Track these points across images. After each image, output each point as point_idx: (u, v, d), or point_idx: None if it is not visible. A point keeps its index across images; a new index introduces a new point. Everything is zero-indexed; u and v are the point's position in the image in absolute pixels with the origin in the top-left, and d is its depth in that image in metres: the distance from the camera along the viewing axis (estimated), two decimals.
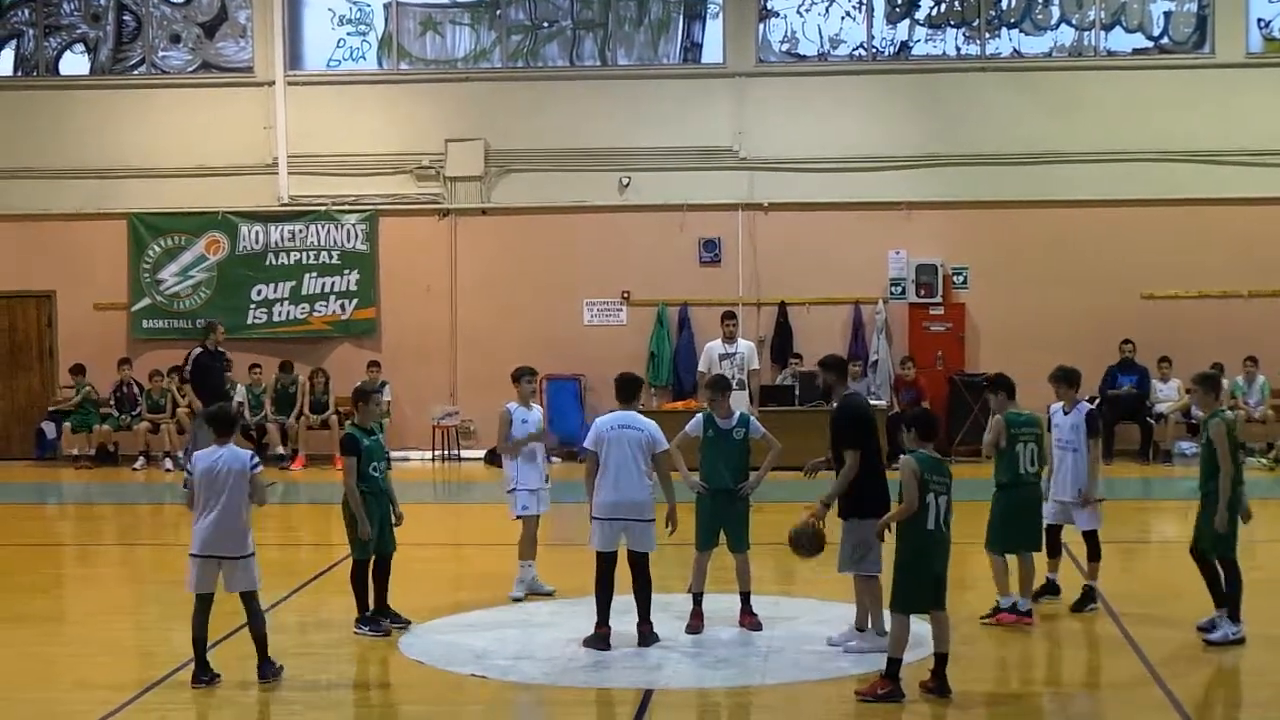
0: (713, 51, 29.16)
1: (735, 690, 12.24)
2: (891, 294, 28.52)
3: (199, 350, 25.73)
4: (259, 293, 29.16)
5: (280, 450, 28.18)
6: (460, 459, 28.49)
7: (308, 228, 29.10)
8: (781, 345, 28.36)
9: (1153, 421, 27.46)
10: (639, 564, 13.76)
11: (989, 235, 28.32)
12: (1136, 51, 28.81)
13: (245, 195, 29.15)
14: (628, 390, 14.18)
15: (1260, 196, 27.87)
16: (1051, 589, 15.25)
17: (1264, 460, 26.40)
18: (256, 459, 12.89)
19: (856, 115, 28.59)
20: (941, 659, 11.85)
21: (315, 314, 29.22)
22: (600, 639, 13.71)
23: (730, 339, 23.47)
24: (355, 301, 29.15)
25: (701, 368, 23.11)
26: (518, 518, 15.95)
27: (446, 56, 29.56)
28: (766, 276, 28.59)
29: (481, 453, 28.07)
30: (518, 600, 15.72)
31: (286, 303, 29.21)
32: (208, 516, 12.60)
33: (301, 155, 28.92)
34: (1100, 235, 28.06)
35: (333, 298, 29.20)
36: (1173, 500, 24.08)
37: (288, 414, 28.23)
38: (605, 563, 13.75)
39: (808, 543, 13.49)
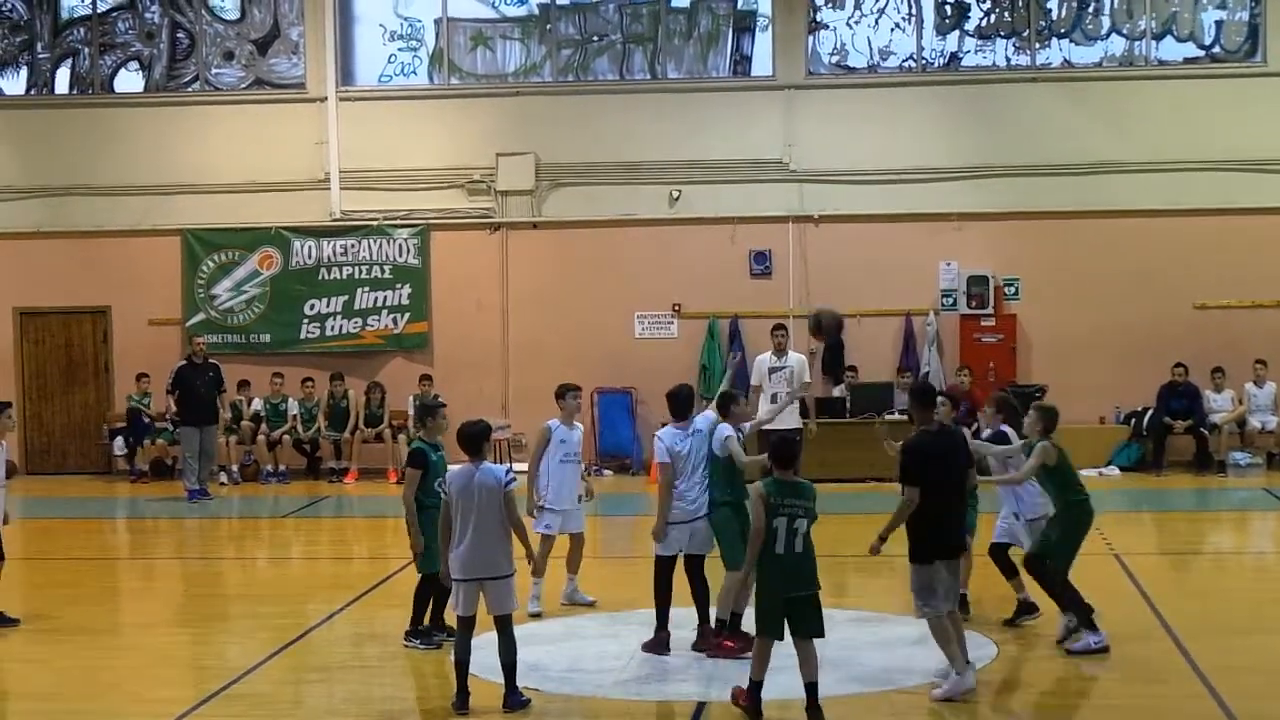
0: (762, 64, 29.13)
1: (783, 702, 12.18)
2: (943, 305, 28.43)
3: (182, 363, 26.46)
4: (312, 307, 29.25)
5: (333, 464, 28.26)
6: (514, 473, 28.40)
7: (360, 242, 29.19)
8: (833, 358, 28.28)
9: (1206, 432, 27.29)
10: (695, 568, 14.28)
11: (1040, 246, 28.20)
12: (1187, 61, 28.65)
13: (298, 210, 29.25)
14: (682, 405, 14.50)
15: None
16: (1028, 609, 15.04)
17: None
18: (512, 475, 12.59)
19: (906, 127, 28.52)
20: (809, 689, 11.58)
21: (368, 328, 29.29)
22: (660, 643, 13.94)
23: (780, 351, 23.28)
24: (407, 316, 29.21)
25: (754, 381, 22.92)
26: (541, 534, 15.80)
27: (497, 71, 29.62)
28: (817, 288, 28.51)
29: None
30: (535, 616, 15.62)
31: (339, 317, 29.29)
32: (465, 538, 12.35)
33: (353, 170, 29.01)
34: (1152, 245, 27.90)
35: (385, 312, 29.27)
36: (1229, 510, 23.98)
37: (341, 428, 28.29)
38: (667, 567, 14.28)
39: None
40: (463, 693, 12.31)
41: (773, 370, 22.63)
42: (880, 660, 13.81)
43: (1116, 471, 27.22)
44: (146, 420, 28.36)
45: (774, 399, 21.47)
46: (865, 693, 12.77)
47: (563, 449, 16.02)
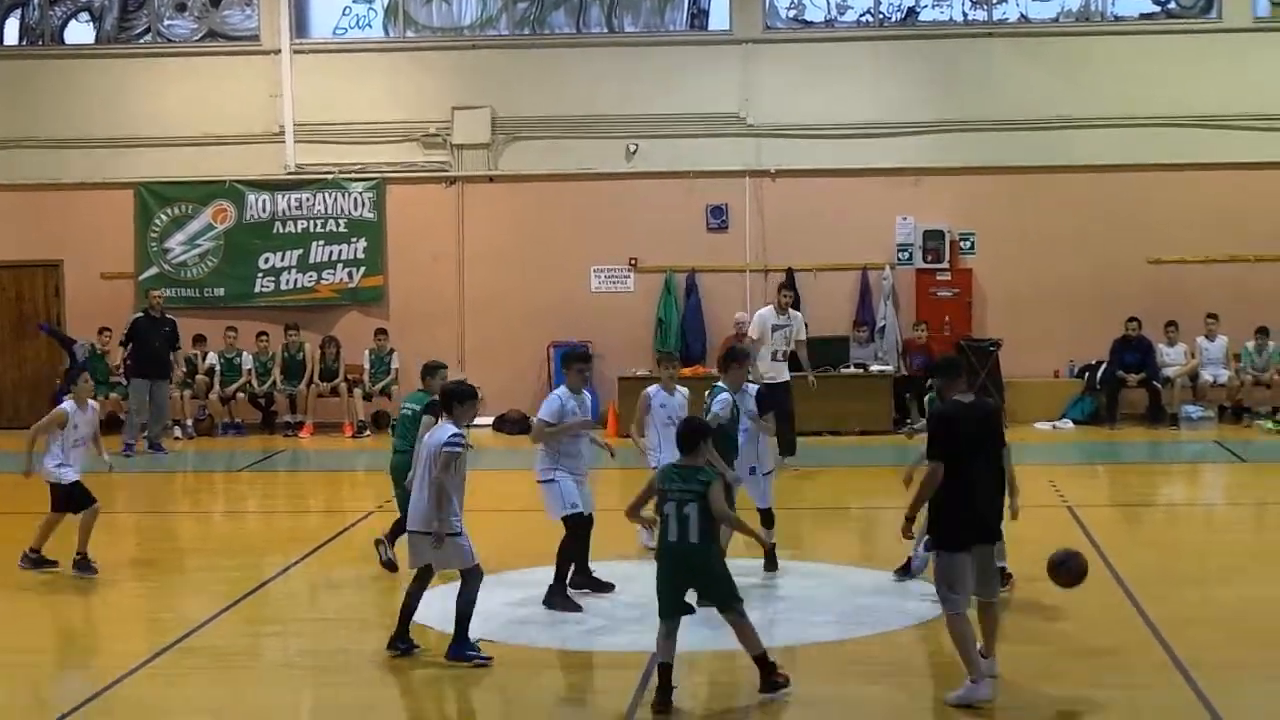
0: (719, 18, 29.14)
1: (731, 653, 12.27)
2: (899, 260, 28.54)
3: (138, 315, 26.53)
4: (266, 261, 29.20)
5: (289, 419, 28.26)
6: (470, 426, 28.46)
7: (315, 196, 29.14)
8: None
9: (1159, 386, 27.51)
10: None
11: (996, 201, 28.32)
12: (1144, 17, 28.76)
13: (252, 164, 29.16)
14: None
15: (1267, 161, 27.78)
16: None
17: (1271, 424, 26.51)
18: (456, 438, 12.54)
19: (863, 82, 28.58)
20: (757, 660, 11.33)
21: (323, 282, 29.26)
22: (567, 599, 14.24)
23: (784, 310, 23.38)
24: (363, 269, 29.19)
25: (754, 335, 22.96)
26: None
27: (453, 24, 29.55)
28: (774, 243, 28.60)
29: (489, 420, 28.08)
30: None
31: (294, 271, 29.24)
32: (416, 490, 12.68)
33: (308, 124, 28.93)
34: (1107, 200, 28.04)
35: (340, 265, 29.25)
36: (1181, 463, 24.21)
37: (296, 382, 28.29)
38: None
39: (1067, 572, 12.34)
40: (401, 637, 12.56)
41: (775, 328, 22.77)
42: (835, 611, 13.97)
43: (1070, 425, 27.44)
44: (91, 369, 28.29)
45: (775, 356, 21.74)
46: (820, 642, 12.91)
47: (663, 413, 15.97)
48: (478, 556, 12.43)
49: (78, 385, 16.48)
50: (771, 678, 11.28)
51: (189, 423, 27.85)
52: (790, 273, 28.20)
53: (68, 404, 16.08)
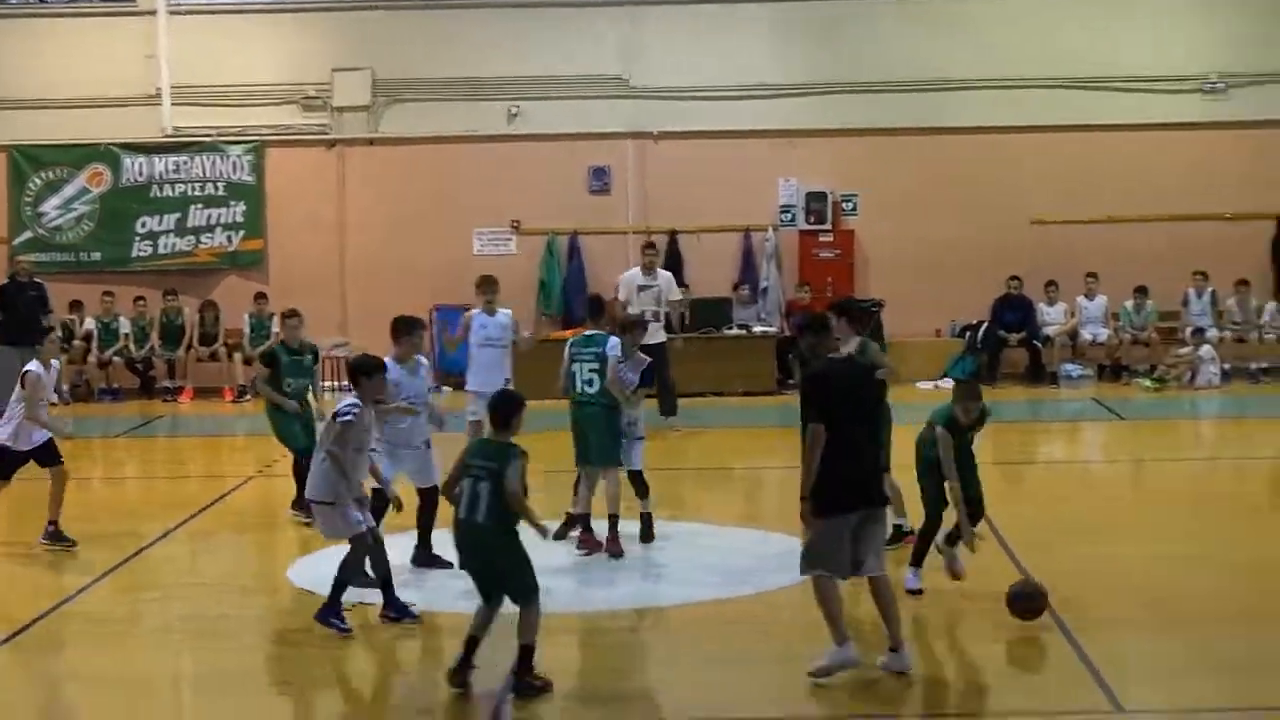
0: None
1: (618, 613, 12.37)
2: (782, 221, 28.68)
3: (5, 281, 26.39)
4: (143, 225, 28.92)
5: (167, 383, 28.04)
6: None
7: (192, 159, 28.88)
8: (673, 273, 28.36)
9: (1039, 345, 27.84)
10: None
11: (878, 163, 28.50)
12: None
13: (128, 127, 28.81)
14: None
15: (1148, 122, 28.17)
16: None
17: (1149, 381, 26.88)
18: (348, 406, 12.51)
19: (746, 44, 28.62)
20: (522, 650, 10.65)
21: (201, 246, 29.03)
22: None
23: (650, 270, 23.53)
24: (242, 233, 28.98)
25: (621, 297, 23.09)
26: None
27: None
28: (656, 205, 28.66)
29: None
30: None
31: (172, 234, 29.00)
32: None
33: (185, 86, 28.61)
34: (990, 162, 28.28)
35: (219, 229, 29.01)
36: (1060, 421, 24.51)
37: (175, 347, 28.07)
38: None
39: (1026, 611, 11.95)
40: (392, 605, 12.50)
41: (642, 288, 23.01)
42: (718, 571, 14.04)
43: (951, 383, 27.55)
44: None
45: (643, 317, 21.85)
46: (702, 601, 12.99)
47: (481, 334, 16.86)
48: (365, 525, 12.33)
49: (44, 345, 16.16)
50: (527, 677, 10.59)
51: (65, 388, 27.51)
52: (673, 234, 28.32)
53: (35, 366, 15.67)
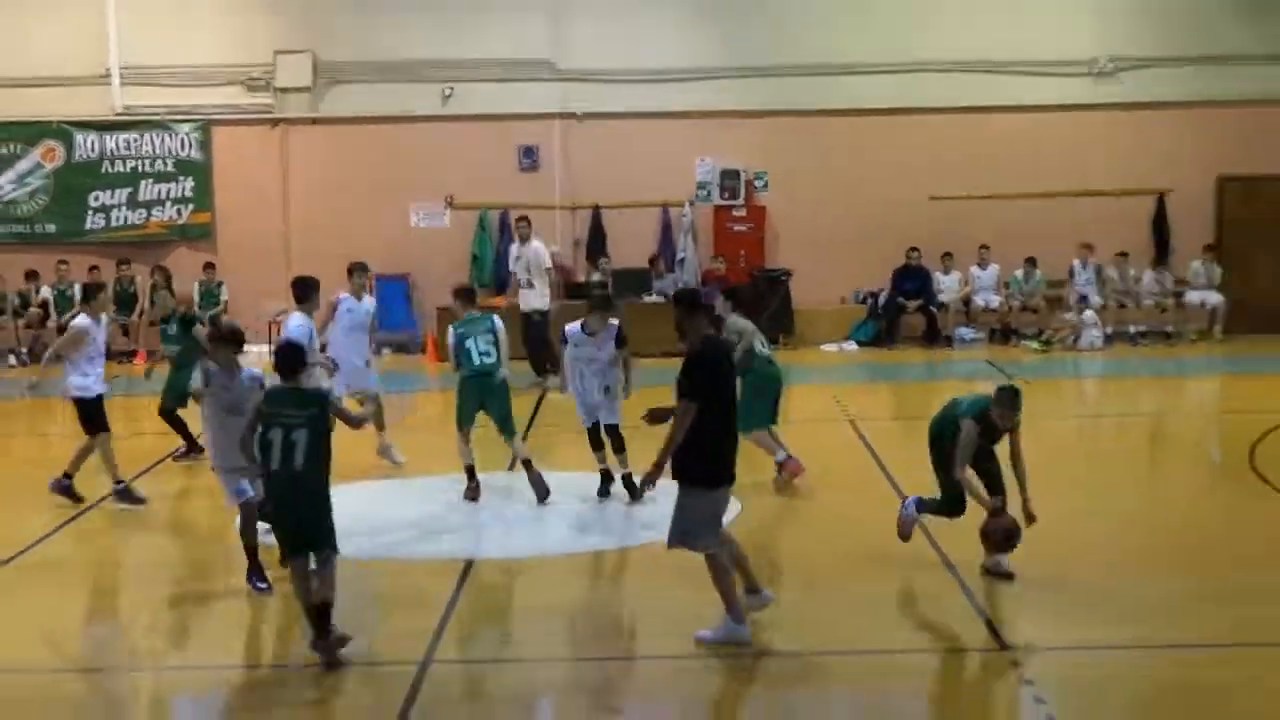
0: None
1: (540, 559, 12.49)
2: (698, 197, 28.79)
3: None
4: (96, 199, 28.78)
5: (122, 347, 27.88)
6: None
7: (142, 136, 28.74)
8: (597, 246, 28.53)
9: (935, 310, 28.11)
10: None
11: (787, 142, 28.62)
12: None
13: (80, 104, 28.57)
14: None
15: (1037, 104, 28.37)
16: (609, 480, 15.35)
17: (1037, 344, 27.18)
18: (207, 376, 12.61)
19: (664, 31, 28.65)
20: (321, 606, 10.31)
21: (152, 219, 28.91)
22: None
23: (524, 240, 23.90)
24: (191, 207, 28.87)
25: (512, 267, 23.79)
26: None
27: None
28: (581, 181, 28.72)
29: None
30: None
31: (124, 208, 28.87)
32: None
33: (135, 66, 28.42)
34: (890, 141, 28.44)
35: (169, 203, 28.91)
36: (954, 380, 24.70)
37: (128, 313, 27.97)
38: None
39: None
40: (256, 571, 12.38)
41: (516, 258, 23.35)
42: (637, 520, 14.20)
43: (855, 346, 27.95)
44: None
45: (606, 294, 22.02)
46: (567, 554, 13.23)
47: (349, 318, 16.95)
48: (248, 495, 12.20)
49: (96, 299, 16.04)
50: (326, 636, 10.24)
51: (23, 350, 27.46)
52: (597, 209, 28.45)
53: (84, 319, 15.57)
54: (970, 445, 11.71)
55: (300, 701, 9.78)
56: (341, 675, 10.11)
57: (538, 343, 23.32)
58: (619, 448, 15.16)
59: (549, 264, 24.06)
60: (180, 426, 17.56)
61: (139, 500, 15.34)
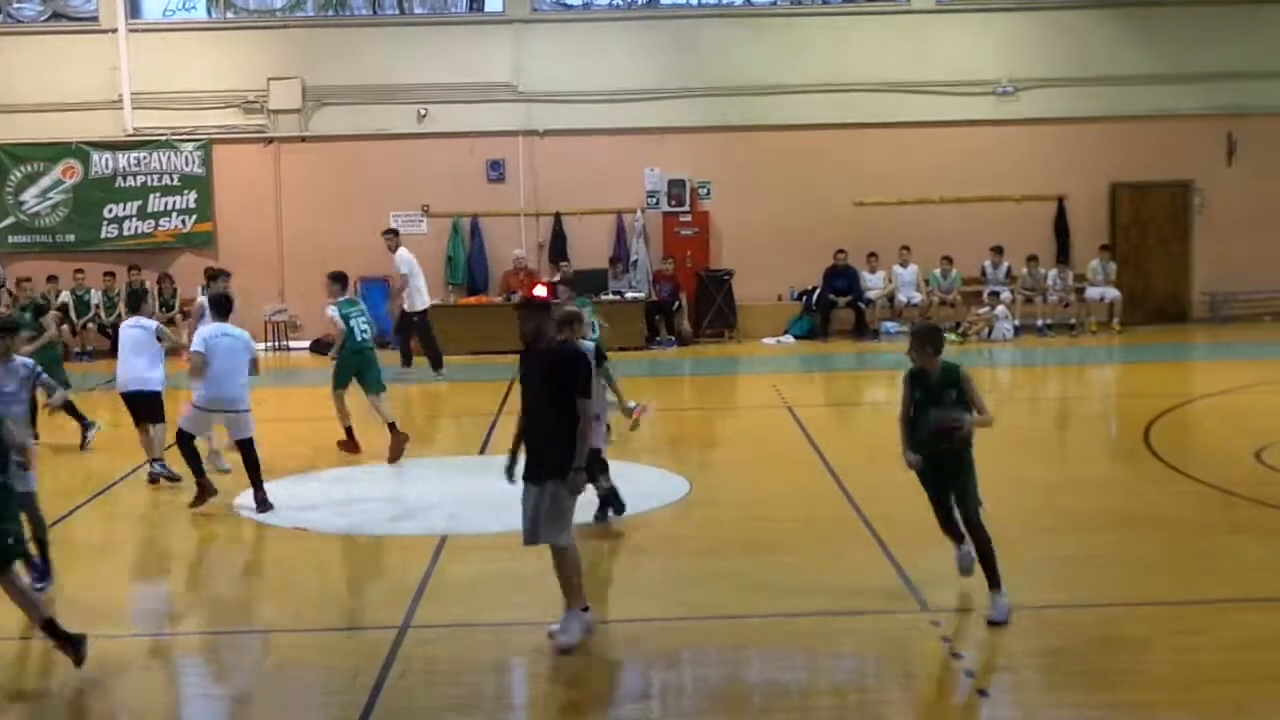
0: (494, 1, 28.93)
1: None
2: (648, 204, 28.66)
3: None
4: (110, 211, 28.55)
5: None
6: (289, 349, 28.22)
7: (151, 154, 28.50)
8: (558, 249, 28.38)
9: (864, 306, 28.02)
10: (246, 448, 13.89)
11: (728, 155, 28.52)
12: (846, 0, 29.01)
13: (96, 127, 28.38)
14: (223, 308, 14.29)
15: (951, 119, 28.37)
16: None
17: (954, 336, 27.10)
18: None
19: (616, 55, 28.53)
20: (44, 625, 9.21)
21: (160, 228, 28.70)
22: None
23: (393, 250, 23.90)
24: (195, 217, 28.65)
25: (406, 270, 23.74)
26: None
27: (267, 6, 29.01)
28: (544, 191, 28.57)
29: (306, 343, 27.81)
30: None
31: (135, 219, 28.66)
32: None
33: (144, 93, 28.19)
34: (819, 153, 28.35)
35: (175, 214, 28.69)
36: (881, 369, 24.65)
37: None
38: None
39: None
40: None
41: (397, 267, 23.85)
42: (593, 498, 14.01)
43: (791, 339, 27.85)
44: None
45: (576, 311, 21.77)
46: (581, 524, 12.99)
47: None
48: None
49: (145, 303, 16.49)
50: (62, 644, 9.17)
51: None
52: (558, 216, 28.33)
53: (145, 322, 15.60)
54: (905, 399, 10.41)
55: (284, 664, 9.58)
56: (323, 638, 9.94)
57: (407, 338, 23.80)
58: (601, 468, 12.82)
59: (404, 270, 23.76)
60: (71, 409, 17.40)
61: (175, 477, 15.05)
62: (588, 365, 9.70)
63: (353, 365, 16.13)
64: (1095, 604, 10.31)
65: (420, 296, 23.68)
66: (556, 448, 9.49)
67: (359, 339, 16.09)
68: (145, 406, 15.31)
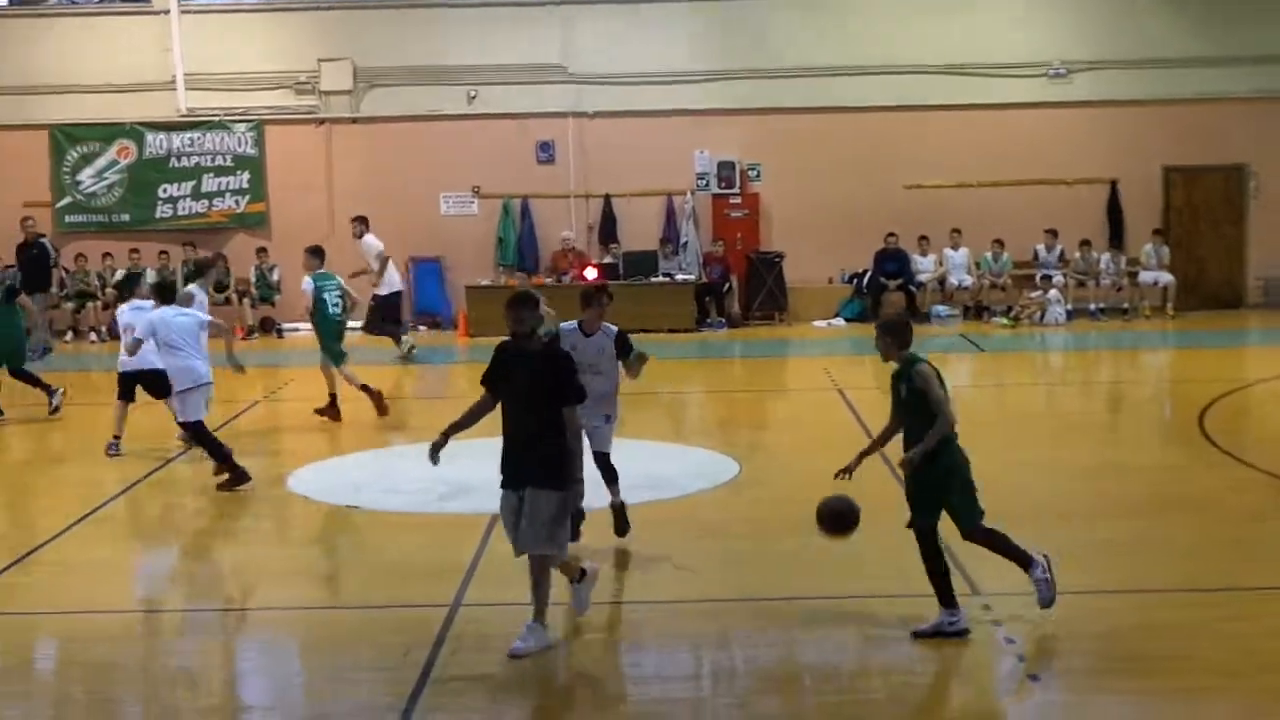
0: None
1: None
2: (698, 187, 28.62)
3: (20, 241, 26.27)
4: (165, 191, 28.73)
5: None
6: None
7: (204, 135, 28.64)
8: (608, 231, 28.40)
9: (914, 289, 27.92)
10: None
11: (778, 137, 28.43)
12: None
13: (150, 108, 28.54)
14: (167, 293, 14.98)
15: (1003, 102, 28.22)
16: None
17: (1006, 320, 27.02)
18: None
19: (666, 37, 28.46)
20: None
21: (214, 209, 28.85)
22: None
23: (358, 237, 23.89)
24: (247, 197, 28.80)
25: (375, 262, 23.72)
26: None
27: None
28: (593, 173, 28.58)
29: (358, 322, 27.81)
30: None
31: (189, 199, 28.82)
32: None
33: (197, 74, 28.33)
34: (870, 136, 28.23)
35: (228, 194, 28.84)
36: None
37: None
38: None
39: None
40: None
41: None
42: (646, 478, 14.00)
43: (842, 322, 27.79)
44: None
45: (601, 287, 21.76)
46: (635, 504, 12.97)
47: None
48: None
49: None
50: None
51: (103, 328, 27.27)
52: (608, 198, 28.31)
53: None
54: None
55: (336, 640, 9.65)
56: (374, 615, 10.01)
57: (379, 321, 23.76)
58: (611, 478, 11.77)
59: (373, 257, 23.77)
60: (31, 379, 18.33)
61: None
62: (567, 365, 9.30)
63: (332, 334, 17.63)
64: (1145, 589, 10.26)
65: (393, 276, 23.81)
66: (536, 453, 9.13)
67: (330, 311, 17.55)
68: (156, 386, 15.70)
